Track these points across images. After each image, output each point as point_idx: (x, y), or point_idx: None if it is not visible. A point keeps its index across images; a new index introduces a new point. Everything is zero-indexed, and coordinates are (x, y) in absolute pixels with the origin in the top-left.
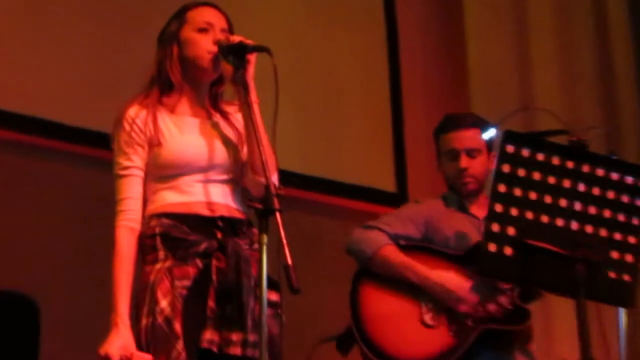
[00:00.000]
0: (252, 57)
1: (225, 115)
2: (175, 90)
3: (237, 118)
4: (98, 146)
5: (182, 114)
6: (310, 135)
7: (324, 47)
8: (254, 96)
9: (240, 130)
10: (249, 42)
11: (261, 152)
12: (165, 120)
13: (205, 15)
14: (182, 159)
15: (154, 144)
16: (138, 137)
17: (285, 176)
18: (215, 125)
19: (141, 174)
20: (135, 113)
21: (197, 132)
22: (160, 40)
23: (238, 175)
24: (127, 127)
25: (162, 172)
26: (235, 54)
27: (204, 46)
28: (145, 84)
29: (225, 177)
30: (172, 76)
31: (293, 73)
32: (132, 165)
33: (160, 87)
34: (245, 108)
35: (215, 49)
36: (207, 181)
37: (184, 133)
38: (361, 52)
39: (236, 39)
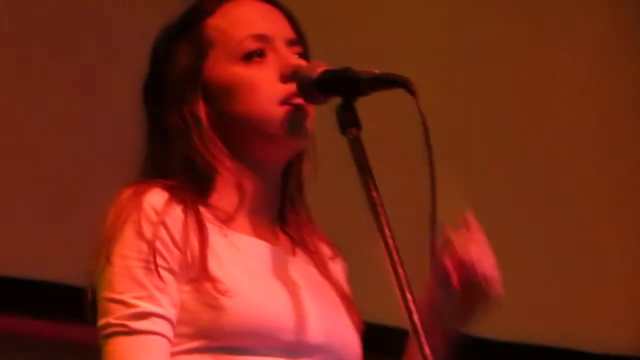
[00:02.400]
0: None
1: (308, 248)
2: (220, 185)
3: (336, 270)
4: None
5: (240, 230)
6: (512, 266)
7: (526, 74)
8: None
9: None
10: (370, 71)
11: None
12: (217, 240)
13: (251, 17)
14: (262, 324)
15: (201, 276)
16: (170, 254)
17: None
18: (302, 262)
19: (170, 332)
20: (164, 205)
21: (272, 273)
22: (155, 93)
23: None
24: (149, 230)
25: (218, 339)
26: (342, 97)
27: (268, 90)
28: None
29: None
30: (211, 157)
31: (465, 131)
32: (158, 312)
33: (195, 185)
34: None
35: (290, 89)
36: None
37: (254, 272)
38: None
39: (317, 66)
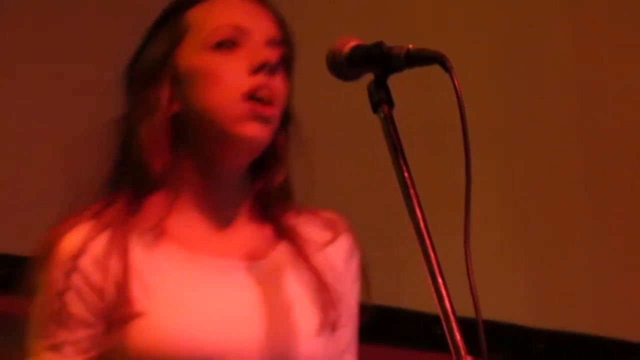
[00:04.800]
0: None
1: (295, 242)
2: (169, 190)
3: (331, 256)
4: None
5: (171, 244)
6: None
7: (576, 76)
8: None
9: (340, 287)
10: (404, 47)
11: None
12: (142, 261)
13: (233, 9)
14: (188, 347)
15: (126, 314)
16: (84, 303)
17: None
18: (273, 274)
19: None
20: (81, 246)
21: (226, 291)
22: (130, 79)
23: None
24: (60, 281)
25: None
26: (374, 74)
27: (232, 82)
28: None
29: None
30: (152, 159)
31: (509, 118)
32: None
33: (133, 188)
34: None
35: (258, 81)
36: None
37: (195, 292)
38: None
39: (348, 42)
